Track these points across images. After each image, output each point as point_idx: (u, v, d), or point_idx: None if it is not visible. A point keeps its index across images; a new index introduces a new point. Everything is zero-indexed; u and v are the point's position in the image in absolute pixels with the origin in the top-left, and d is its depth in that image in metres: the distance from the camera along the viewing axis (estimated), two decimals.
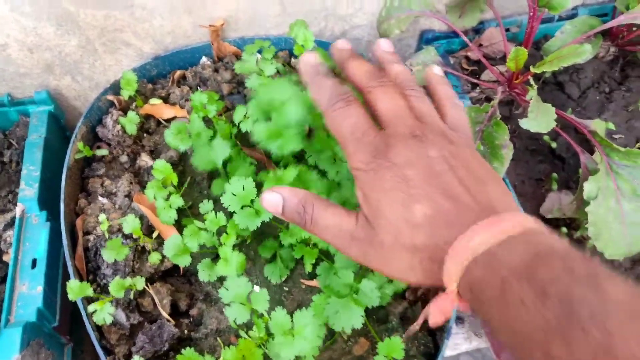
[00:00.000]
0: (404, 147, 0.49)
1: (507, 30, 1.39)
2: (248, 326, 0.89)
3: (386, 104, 0.54)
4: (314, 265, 0.97)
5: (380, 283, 0.92)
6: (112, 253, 0.92)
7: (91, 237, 1.00)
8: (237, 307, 0.82)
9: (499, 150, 0.98)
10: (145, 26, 1.21)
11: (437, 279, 0.47)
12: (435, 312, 0.47)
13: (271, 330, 0.79)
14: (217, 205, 0.97)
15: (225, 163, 1.02)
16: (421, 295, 1.00)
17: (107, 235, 1.00)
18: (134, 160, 1.15)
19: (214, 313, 0.96)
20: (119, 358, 0.90)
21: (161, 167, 0.99)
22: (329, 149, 1.01)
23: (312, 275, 0.98)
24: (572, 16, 1.37)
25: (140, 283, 0.91)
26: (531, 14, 1.14)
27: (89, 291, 0.87)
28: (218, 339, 0.93)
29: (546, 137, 1.23)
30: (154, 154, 1.17)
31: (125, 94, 1.17)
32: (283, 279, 1.00)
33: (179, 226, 1.02)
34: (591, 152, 1.02)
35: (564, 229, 1.08)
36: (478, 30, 1.37)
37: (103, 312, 0.87)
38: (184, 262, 0.93)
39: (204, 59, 1.30)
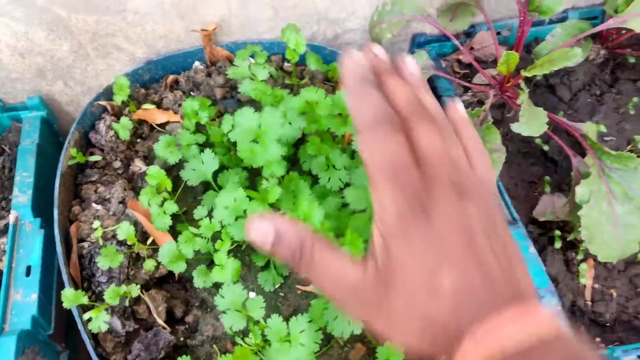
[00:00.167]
0: (446, 200, 0.43)
1: (498, 33, 1.40)
2: (244, 333, 0.90)
3: (428, 142, 0.47)
4: None
5: None
6: (107, 260, 0.91)
7: (85, 244, 1.00)
8: (233, 315, 0.82)
9: (491, 154, 0.99)
10: (138, 30, 1.21)
11: (445, 352, 0.42)
12: None
13: (267, 337, 0.79)
14: (212, 211, 0.97)
15: (216, 173, 1.02)
16: None
17: (101, 242, 0.99)
18: (127, 166, 1.15)
19: (210, 320, 0.96)
20: None
21: (155, 173, 0.99)
22: (322, 155, 1.02)
23: (308, 280, 0.99)
24: (562, 19, 1.38)
25: (135, 290, 0.91)
26: (522, 18, 1.14)
27: (84, 299, 0.87)
28: (214, 345, 0.93)
29: (538, 140, 1.24)
30: (148, 159, 1.17)
31: (118, 99, 1.17)
32: (277, 286, 1.00)
33: (174, 232, 1.02)
34: (583, 154, 1.03)
35: (557, 232, 1.09)
36: (469, 33, 1.38)
37: (98, 320, 0.87)
38: (179, 268, 0.93)
39: (196, 63, 1.30)
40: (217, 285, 0.97)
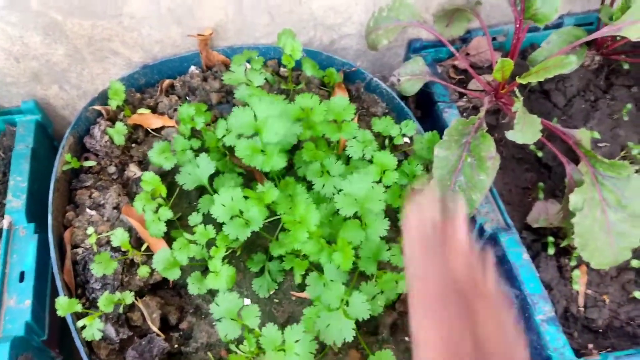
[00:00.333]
0: None
1: (494, 39, 1.40)
2: (239, 340, 0.90)
3: (491, 329, 0.52)
4: (304, 277, 0.98)
5: (372, 294, 0.92)
6: (101, 267, 0.91)
7: (79, 251, 1.00)
8: (228, 323, 0.82)
9: (485, 162, 0.99)
10: (134, 35, 1.21)
11: None
12: None
13: (262, 346, 0.80)
14: (207, 217, 0.97)
15: (212, 177, 1.02)
16: None
17: (95, 249, 0.99)
18: (122, 171, 1.15)
19: (204, 326, 0.96)
20: None
21: (150, 179, 0.99)
22: (317, 161, 1.02)
23: (302, 287, 0.99)
24: (558, 25, 1.39)
25: (129, 298, 0.91)
26: (517, 25, 1.15)
27: (78, 307, 0.87)
28: (209, 353, 0.93)
29: (532, 146, 1.24)
30: (143, 164, 1.16)
31: (113, 103, 1.17)
32: (272, 292, 1.00)
33: (168, 238, 1.02)
34: (577, 161, 1.03)
35: (551, 238, 1.09)
36: (465, 39, 1.38)
37: (92, 328, 0.87)
38: (174, 275, 0.93)
39: (192, 68, 1.30)
40: (211, 292, 0.97)
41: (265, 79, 1.13)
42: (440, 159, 1.01)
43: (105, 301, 0.88)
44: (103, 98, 1.20)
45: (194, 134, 1.12)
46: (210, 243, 0.95)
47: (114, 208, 1.05)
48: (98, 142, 1.14)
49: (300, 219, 0.89)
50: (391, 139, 1.14)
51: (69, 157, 1.10)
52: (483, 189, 1.00)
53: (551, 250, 1.09)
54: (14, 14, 1.09)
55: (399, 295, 0.99)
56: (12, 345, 0.87)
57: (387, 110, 1.27)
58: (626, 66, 1.35)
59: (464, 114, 1.27)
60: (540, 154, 1.23)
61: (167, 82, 1.28)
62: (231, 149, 1.08)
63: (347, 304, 0.87)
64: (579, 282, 1.06)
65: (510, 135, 0.97)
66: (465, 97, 1.30)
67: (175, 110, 1.21)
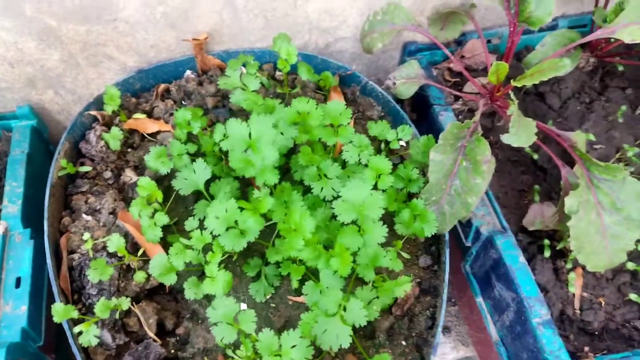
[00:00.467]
0: None
1: (489, 41, 1.40)
2: (235, 345, 0.90)
3: None
4: (301, 282, 0.98)
5: (368, 299, 0.92)
6: (97, 273, 0.91)
7: (76, 256, 1.00)
8: (224, 327, 0.82)
9: (481, 165, 0.99)
10: (129, 40, 1.21)
11: None
12: None
13: (259, 351, 0.80)
14: (203, 222, 0.97)
15: (208, 182, 1.02)
16: (407, 310, 1.01)
17: (91, 254, 0.99)
18: (118, 176, 1.15)
19: (201, 332, 0.96)
20: None
21: (146, 184, 0.99)
22: (313, 165, 1.02)
23: (299, 292, 0.99)
24: (552, 27, 1.39)
25: (125, 304, 0.91)
26: (511, 29, 1.15)
27: (74, 313, 0.87)
28: (205, 358, 0.93)
29: (528, 149, 1.24)
30: (139, 169, 1.16)
31: (109, 108, 1.17)
32: (268, 297, 1.00)
33: (165, 243, 1.02)
34: (572, 163, 1.04)
35: (547, 241, 1.10)
36: (460, 42, 1.38)
37: (89, 334, 0.87)
38: (170, 280, 0.93)
39: (188, 72, 1.30)
40: (208, 297, 0.97)
41: (261, 83, 1.13)
42: (435, 163, 1.02)
43: (101, 307, 0.88)
44: (98, 103, 1.20)
45: (190, 138, 1.12)
46: (207, 248, 0.95)
47: (110, 213, 1.05)
48: (94, 147, 1.14)
49: (296, 226, 0.89)
50: (387, 143, 1.15)
51: (65, 162, 1.10)
52: (479, 192, 1.00)
53: (547, 253, 1.09)
54: (7, 19, 1.09)
55: (395, 299, 0.99)
56: (8, 351, 0.87)
57: (382, 114, 1.27)
58: (620, 68, 1.35)
59: (460, 117, 1.27)
60: (535, 156, 1.23)
61: (162, 86, 1.28)
62: (227, 154, 1.08)
63: (344, 309, 0.87)
64: (575, 284, 1.07)
65: (505, 138, 0.98)
66: (460, 99, 1.30)
67: (171, 114, 1.21)
